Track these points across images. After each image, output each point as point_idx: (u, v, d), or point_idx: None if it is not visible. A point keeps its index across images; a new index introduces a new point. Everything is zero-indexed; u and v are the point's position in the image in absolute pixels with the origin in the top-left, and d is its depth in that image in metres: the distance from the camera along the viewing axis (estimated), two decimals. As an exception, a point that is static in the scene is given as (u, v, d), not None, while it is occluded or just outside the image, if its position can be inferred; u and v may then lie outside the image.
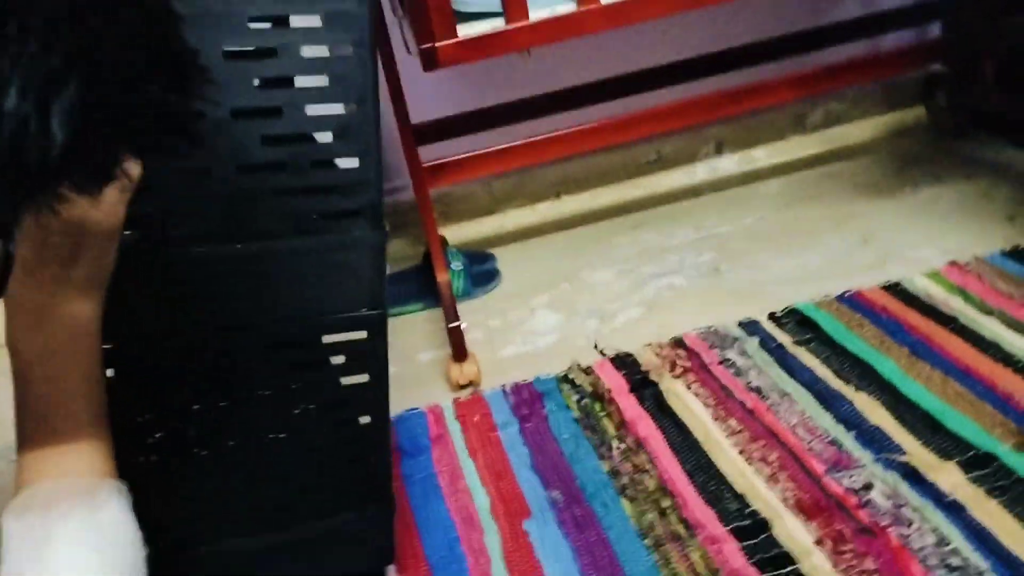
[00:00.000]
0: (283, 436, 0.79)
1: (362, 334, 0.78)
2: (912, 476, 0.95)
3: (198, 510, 0.79)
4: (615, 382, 1.21)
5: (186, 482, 0.78)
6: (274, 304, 0.76)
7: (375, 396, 0.80)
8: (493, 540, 0.98)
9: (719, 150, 1.88)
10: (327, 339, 0.78)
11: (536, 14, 1.15)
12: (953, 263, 1.34)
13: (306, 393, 0.78)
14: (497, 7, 1.15)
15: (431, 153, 1.42)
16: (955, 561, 0.83)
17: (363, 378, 0.80)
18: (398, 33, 1.28)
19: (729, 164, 1.88)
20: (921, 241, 1.46)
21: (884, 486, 0.94)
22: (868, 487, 0.94)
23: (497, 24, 1.15)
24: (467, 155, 1.41)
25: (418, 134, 1.39)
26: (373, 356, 0.79)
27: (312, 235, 0.75)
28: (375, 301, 0.77)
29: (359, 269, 0.77)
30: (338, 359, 0.79)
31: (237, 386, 0.77)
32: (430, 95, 1.63)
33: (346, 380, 0.80)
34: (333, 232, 0.76)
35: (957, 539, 0.86)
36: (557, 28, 1.15)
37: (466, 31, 1.14)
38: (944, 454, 0.97)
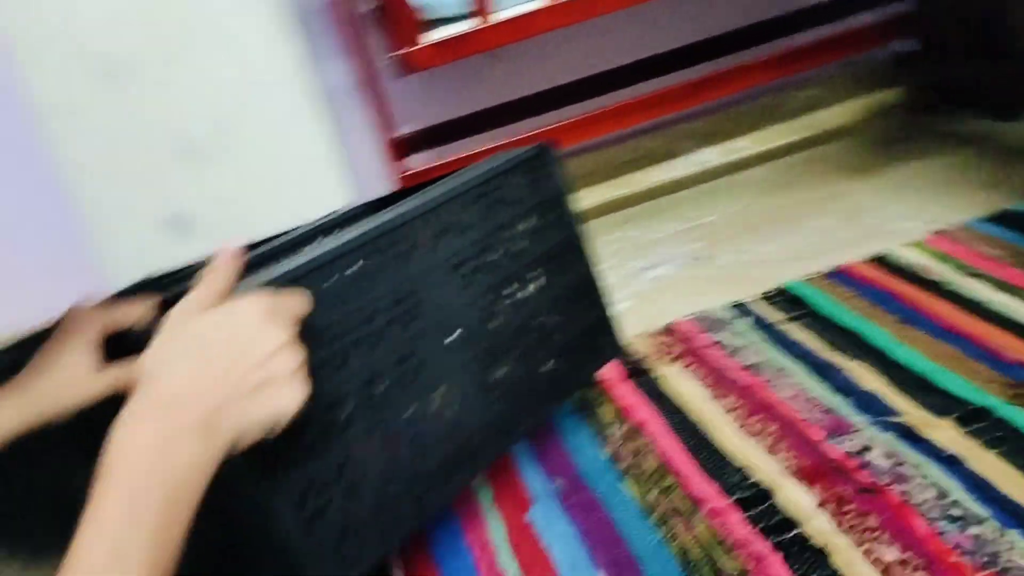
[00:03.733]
0: None
1: None
2: (909, 435, 0.95)
3: None
4: (610, 372, 1.22)
5: None
6: None
7: None
8: (498, 531, 0.98)
9: (699, 145, 1.90)
10: None
11: (501, 14, 1.17)
12: (937, 232, 1.35)
13: None
14: (465, 10, 1.17)
15: (412, 164, 1.44)
16: (956, 512, 0.84)
17: None
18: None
19: (710, 156, 1.90)
20: (904, 215, 1.47)
21: (882, 447, 0.94)
22: (866, 449, 0.95)
23: (466, 26, 1.17)
24: (446, 160, 1.42)
25: (399, 145, 1.40)
26: None
27: None
28: None
29: None
30: None
31: None
32: (409, 108, 1.64)
33: None
34: None
35: (957, 491, 0.86)
36: (523, 25, 1.17)
37: (437, 35, 1.16)
38: (939, 412, 0.97)
